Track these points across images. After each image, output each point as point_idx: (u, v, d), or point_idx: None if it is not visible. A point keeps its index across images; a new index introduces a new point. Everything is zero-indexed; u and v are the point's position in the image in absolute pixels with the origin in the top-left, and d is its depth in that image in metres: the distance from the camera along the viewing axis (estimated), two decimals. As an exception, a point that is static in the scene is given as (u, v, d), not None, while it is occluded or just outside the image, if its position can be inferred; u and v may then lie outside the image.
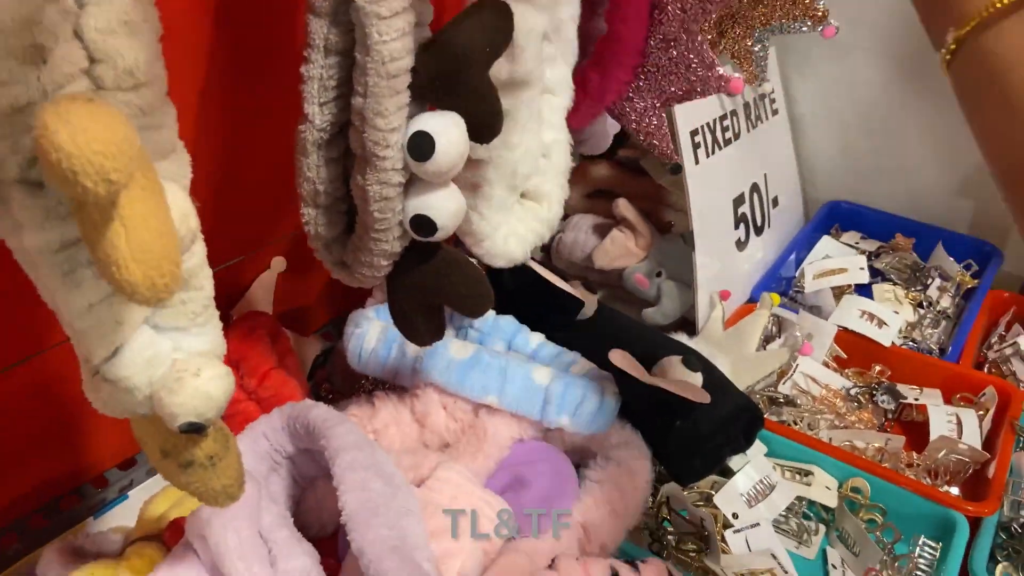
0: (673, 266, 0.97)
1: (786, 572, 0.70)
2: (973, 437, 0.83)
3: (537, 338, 0.83)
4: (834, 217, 1.18)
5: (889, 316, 0.95)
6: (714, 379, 0.74)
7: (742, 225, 1.02)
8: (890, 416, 0.90)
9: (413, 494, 0.61)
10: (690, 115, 0.89)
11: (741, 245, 1.02)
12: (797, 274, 1.06)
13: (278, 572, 0.56)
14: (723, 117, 0.96)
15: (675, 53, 0.80)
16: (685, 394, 0.69)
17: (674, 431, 0.72)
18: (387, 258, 0.59)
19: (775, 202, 1.10)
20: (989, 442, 0.83)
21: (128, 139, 0.28)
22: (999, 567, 0.73)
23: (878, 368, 0.94)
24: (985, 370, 0.95)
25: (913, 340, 0.97)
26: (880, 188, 1.15)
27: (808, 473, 0.80)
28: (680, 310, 0.98)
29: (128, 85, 0.37)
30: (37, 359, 0.65)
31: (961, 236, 1.10)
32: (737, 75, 0.83)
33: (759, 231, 1.06)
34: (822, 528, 0.79)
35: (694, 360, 0.73)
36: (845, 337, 0.95)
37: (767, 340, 0.96)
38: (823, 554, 0.77)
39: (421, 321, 0.62)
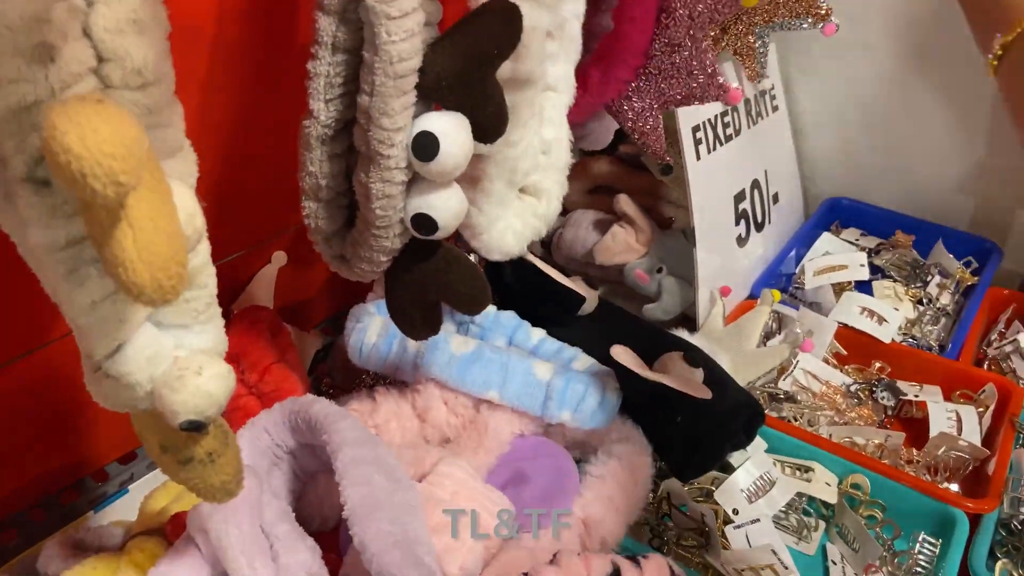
0: (674, 262, 0.97)
1: (786, 568, 0.70)
2: (973, 434, 0.83)
3: (538, 334, 0.83)
4: (834, 214, 1.18)
5: (889, 313, 0.95)
6: (715, 375, 0.74)
7: (743, 221, 1.02)
8: (890, 413, 0.90)
9: (415, 489, 0.61)
10: (691, 112, 0.89)
11: (742, 241, 1.02)
12: (797, 270, 1.06)
13: (280, 566, 0.56)
14: (724, 114, 0.96)
15: (678, 59, 0.80)
16: (686, 390, 0.69)
17: (675, 427, 0.72)
18: (387, 254, 0.59)
19: (775, 198, 1.10)
20: (989, 439, 0.83)
21: (137, 141, 0.28)
22: (999, 564, 0.73)
23: (878, 365, 0.94)
24: (985, 367, 0.95)
25: (913, 337, 0.97)
26: (880, 185, 1.15)
27: (808, 469, 0.80)
28: (681, 306, 0.98)
29: (136, 84, 0.37)
30: (38, 353, 0.65)
31: (961, 233, 1.09)
32: (736, 85, 0.83)
33: (760, 227, 1.06)
34: (822, 524, 0.79)
35: (695, 356, 0.73)
36: (845, 334, 0.95)
37: (767, 336, 0.96)
38: (823, 550, 0.77)
39: (418, 317, 0.62)
